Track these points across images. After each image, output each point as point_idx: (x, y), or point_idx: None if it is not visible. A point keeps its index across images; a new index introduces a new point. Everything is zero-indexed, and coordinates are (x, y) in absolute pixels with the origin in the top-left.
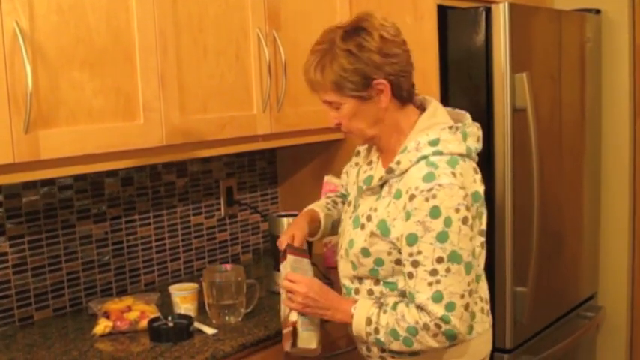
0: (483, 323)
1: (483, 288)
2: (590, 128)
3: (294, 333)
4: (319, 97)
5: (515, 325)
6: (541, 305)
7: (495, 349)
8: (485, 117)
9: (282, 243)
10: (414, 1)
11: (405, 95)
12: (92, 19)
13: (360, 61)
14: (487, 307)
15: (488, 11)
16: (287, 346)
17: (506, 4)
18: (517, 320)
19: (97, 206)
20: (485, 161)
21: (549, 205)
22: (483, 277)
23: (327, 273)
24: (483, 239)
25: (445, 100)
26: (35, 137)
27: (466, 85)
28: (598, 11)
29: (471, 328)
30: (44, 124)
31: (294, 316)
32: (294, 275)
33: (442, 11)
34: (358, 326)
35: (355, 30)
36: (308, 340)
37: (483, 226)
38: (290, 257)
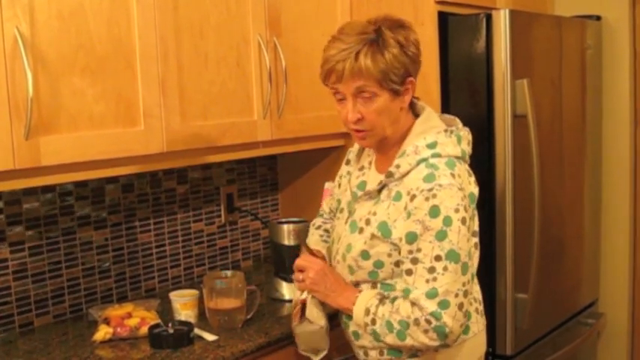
0: (479, 324)
1: (476, 289)
2: (591, 134)
3: (303, 308)
4: (347, 87)
5: (515, 331)
6: (542, 312)
7: (496, 355)
8: (485, 123)
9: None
10: (415, 8)
11: (412, 99)
12: (93, 26)
13: (405, 55)
14: (481, 307)
15: (489, 18)
16: (295, 320)
17: (507, 11)
18: (518, 327)
19: (98, 213)
20: (486, 167)
21: (550, 211)
22: (475, 279)
23: None
24: (477, 240)
25: (446, 107)
26: (36, 143)
27: (467, 91)
28: (598, 17)
29: (467, 327)
30: (45, 130)
31: (304, 295)
32: (309, 257)
33: (443, 18)
34: (358, 315)
35: (398, 24)
36: (317, 316)
37: (476, 227)
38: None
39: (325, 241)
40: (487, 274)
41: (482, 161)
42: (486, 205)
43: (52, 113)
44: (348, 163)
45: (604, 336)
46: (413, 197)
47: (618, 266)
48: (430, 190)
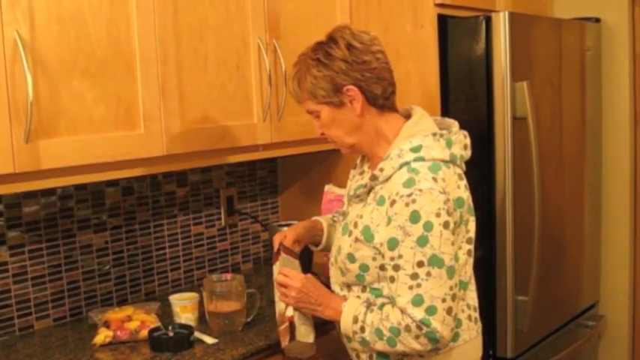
0: (470, 331)
1: (471, 296)
2: (591, 137)
3: (292, 328)
4: (303, 109)
5: (516, 334)
6: (542, 314)
7: (496, 358)
8: (485, 126)
9: (276, 242)
10: (415, 11)
11: (381, 102)
12: (93, 29)
13: (328, 69)
14: (475, 314)
15: (489, 20)
16: (285, 341)
17: (507, 13)
18: (518, 329)
19: (98, 216)
20: (486, 170)
21: (550, 213)
22: (471, 286)
23: (329, 282)
24: (471, 247)
25: (445, 109)
26: (36, 147)
27: (466, 94)
28: (598, 20)
29: (456, 334)
30: (45, 133)
31: (290, 312)
32: (289, 271)
33: (442, 20)
34: (345, 324)
35: (326, 41)
36: (306, 334)
37: (471, 234)
38: (283, 256)
39: (334, 220)
40: (487, 276)
41: (482, 164)
42: (486, 207)
43: (51, 117)
44: (355, 167)
45: (605, 338)
46: (393, 202)
47: (619, 268)
48: (410, 195)
